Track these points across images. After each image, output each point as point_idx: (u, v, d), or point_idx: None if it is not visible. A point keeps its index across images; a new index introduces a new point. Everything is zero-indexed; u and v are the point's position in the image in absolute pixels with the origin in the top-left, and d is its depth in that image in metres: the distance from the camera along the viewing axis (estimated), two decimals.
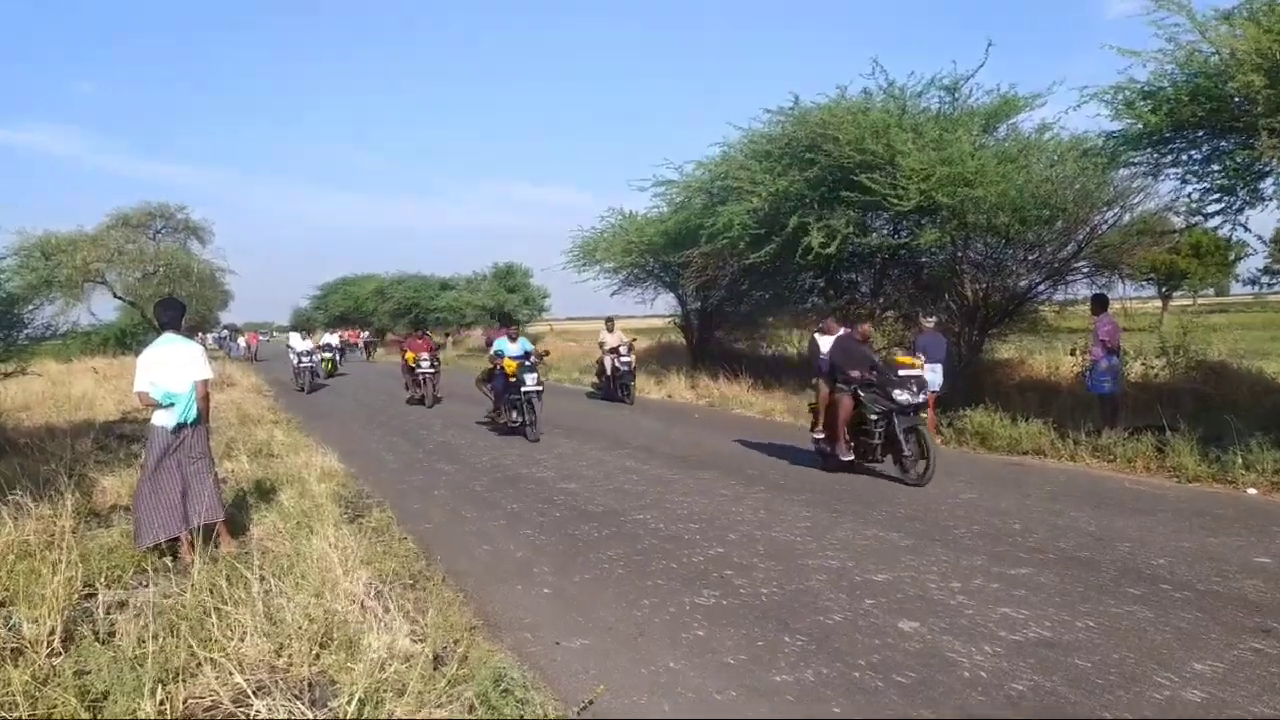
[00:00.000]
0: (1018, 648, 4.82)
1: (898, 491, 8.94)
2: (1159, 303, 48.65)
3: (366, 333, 42.08)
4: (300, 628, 4.74)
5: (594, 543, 7.27)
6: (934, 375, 12.00)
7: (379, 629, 4.85)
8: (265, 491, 8.72)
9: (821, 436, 10.19)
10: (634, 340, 20.15)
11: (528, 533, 7.69)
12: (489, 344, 16.28)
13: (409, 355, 19.99)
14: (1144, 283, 36.37)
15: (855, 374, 9.53)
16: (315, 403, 20.83)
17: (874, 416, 9.45)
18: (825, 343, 10.29)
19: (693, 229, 17.51)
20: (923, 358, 10.97)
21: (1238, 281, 56.77)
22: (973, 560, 6.44)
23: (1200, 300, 60.25)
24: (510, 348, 14.33)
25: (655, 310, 25.65)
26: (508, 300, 39.59)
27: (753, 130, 16.89)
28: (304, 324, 52.37)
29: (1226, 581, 5.81)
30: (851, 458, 9.72)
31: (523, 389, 13.47)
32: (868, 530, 7.41)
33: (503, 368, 14.05)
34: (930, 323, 13.01)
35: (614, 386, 18.82)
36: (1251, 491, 8.51)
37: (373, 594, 5.45)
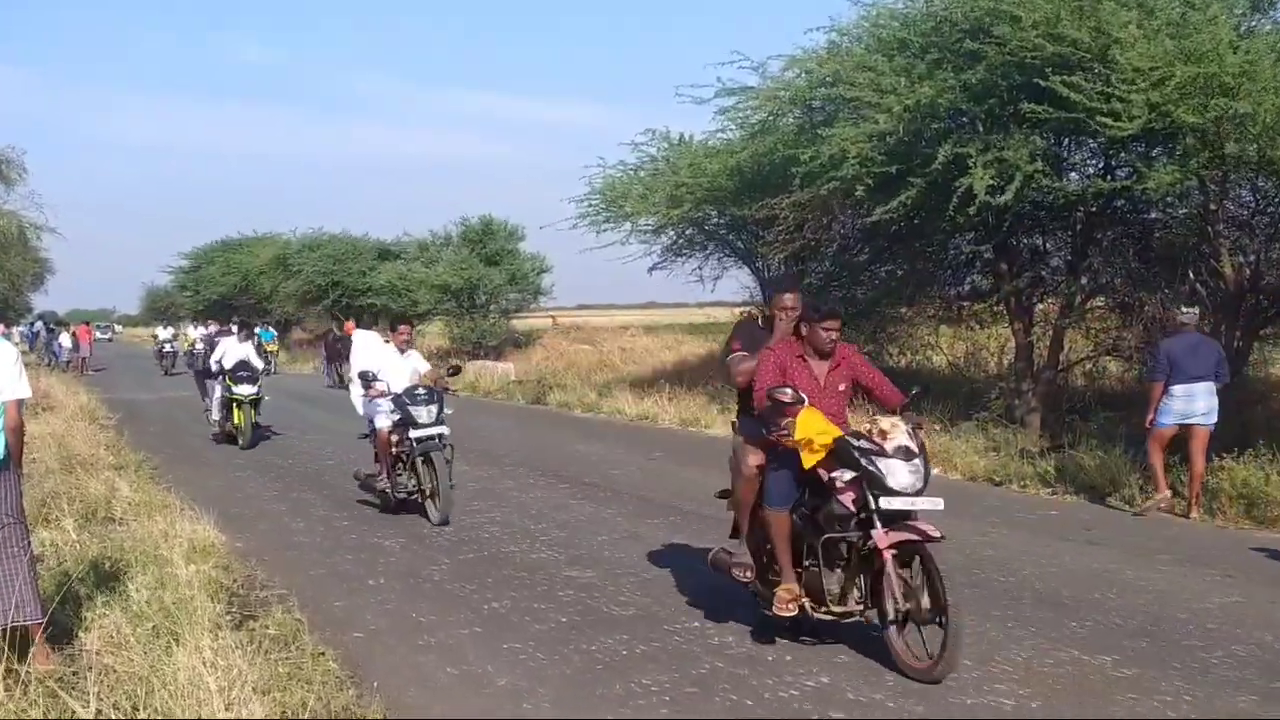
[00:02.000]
0: None
1: (1113, 593, 8.88)
2: None
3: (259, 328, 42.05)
4: None
5: (621, 664, 7.28)
6: (1205, 401, 11.91)
7: None
8: (104, 577, 8.82)
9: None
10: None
11: (516, 647, 7.71)
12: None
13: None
14: None
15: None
16: (181, 437, 21.08)
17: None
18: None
19: (781, 165, 17.54)
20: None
21: None
22: (1234, 702, 6.39)
23: None
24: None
25: (718, 295, 25.72)
26: (485, 276, 39.61)
27: (881, 7, 16.89)
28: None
29: None
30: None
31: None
32: (1061, 651, 7.36)
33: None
34: (1190, 316, 12.65)
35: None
36: None
37: None
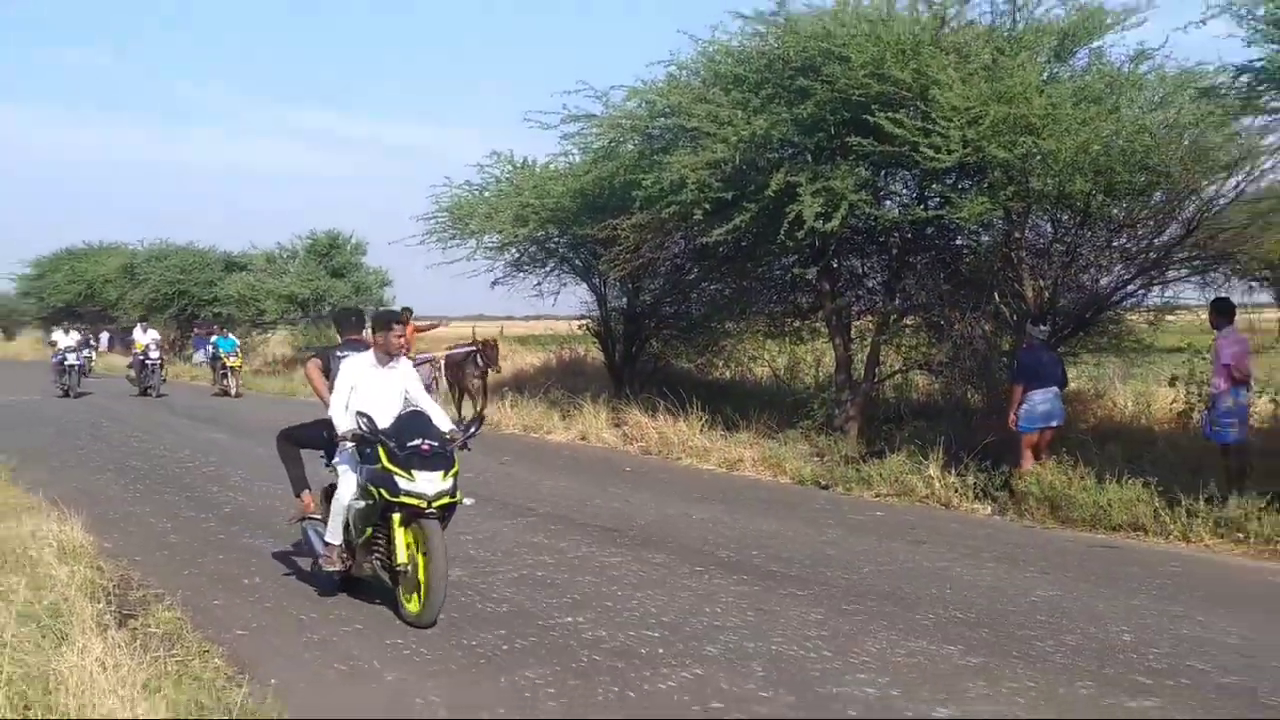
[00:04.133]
0: None
1: (951, 589, 9.01)
2: (1278, 313, 50.40)
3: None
4: None
5: (503, 659, 7.14)
6: (1057, 405, 12.92)
7: None
8: None
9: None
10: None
11: (399, 643, 7.51)
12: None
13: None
14: (1258, 284, 37.88)
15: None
16: (30, 440, 20.13)
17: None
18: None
19: (622, 189, 17.47)
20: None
21: None
22: (1073, 688, 6.52)
23: None
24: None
25: (559, 310, 25.57)
26: (333, 288, 39.02)
27: (718, 44, 16.94)
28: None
29: None
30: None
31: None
32: (911, 642, 7.46)
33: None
34: (1041, 333, 13.52)
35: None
36: None
37: None
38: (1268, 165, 14.51)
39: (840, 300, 17.48)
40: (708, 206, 15.71)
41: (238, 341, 33.81)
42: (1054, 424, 12.91)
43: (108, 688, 5.85)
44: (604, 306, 23.36)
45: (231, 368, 31.21)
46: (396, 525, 7.98)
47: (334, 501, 8.51)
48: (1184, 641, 7.45)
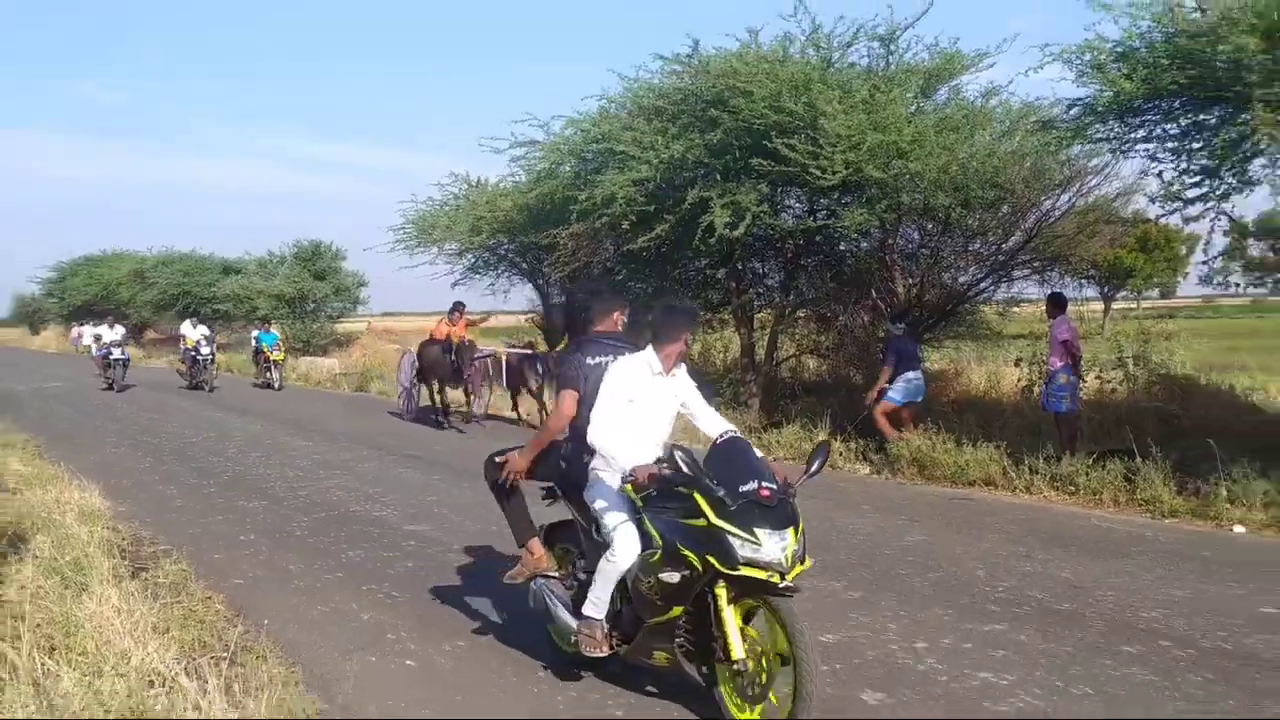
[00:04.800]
0: None
1: (835, 536, 9.09)
2: (1100, 305, 51.53)
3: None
4: None
5: (464, 603, 7.10)
6: (922, 382, 13.20)
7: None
8: (10, 540, 8.15)
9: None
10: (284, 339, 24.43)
11: (374, 588, 7.46)
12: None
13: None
14: (1084, 281, 38.56)
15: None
16: (56, 421, 19.70)
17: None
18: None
19: (561, 203, 17.41)
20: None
21: (1186, 281, 60.80)
22: (937, 615, 6.62)
23: (1145, 303, 64.14)
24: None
25: (510, 305, 25.59)
26: (314, 288, 38.55)
27: (641, 81, 16.91)
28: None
29: (1234, 637, 6.14)
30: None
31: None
32: (802, 581, 7.48)
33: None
34: (900, 329, 13.67)
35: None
36: (1239, 529, 9.05)
37: (184, 670, 5.14)
38: (1093, 184, 14.88)
39: (745, 296, 17.53)
40: (634, 218, 15.71)
41: (279, 335, 29.40)
42: (918, 399, 13.09)
43: (123, 630, 5.77)
44: (547, 303, 23.43)
45: (275, 361, 27.32)
46: (723, 604, 4.87)
47: (603, 566, 5.25)
48: (1026, 576, 7.59)
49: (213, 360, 27.10)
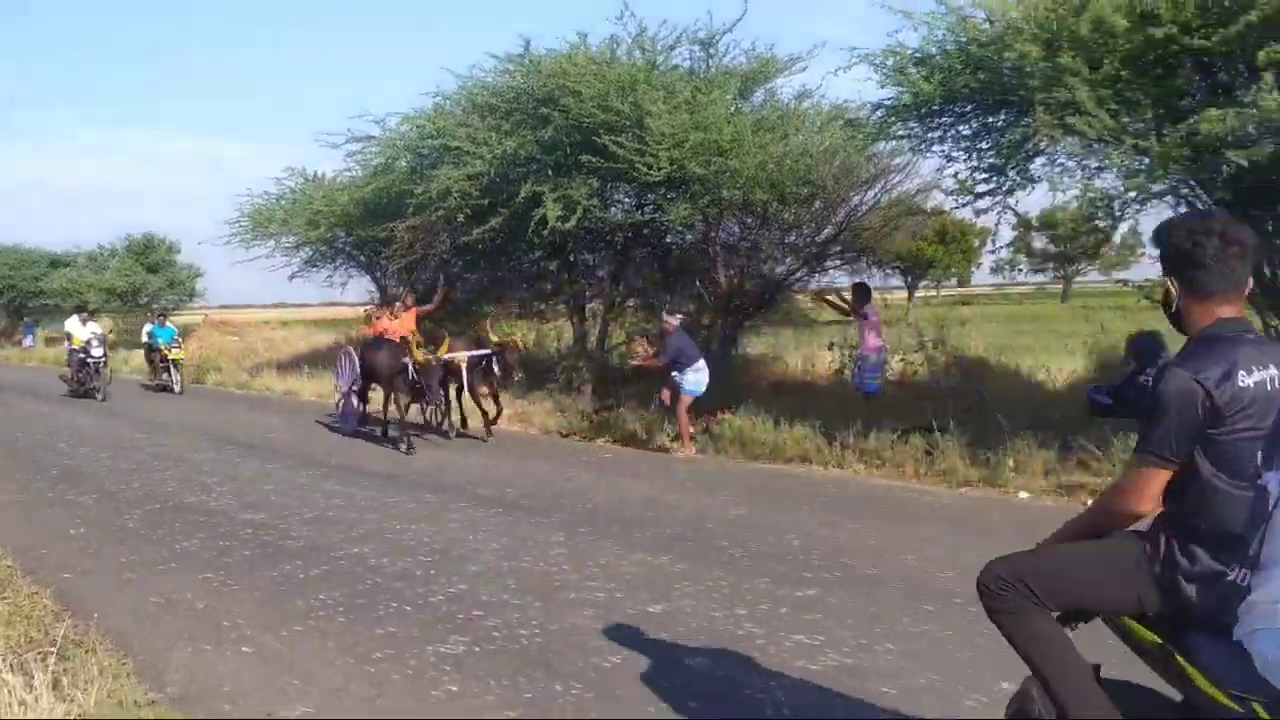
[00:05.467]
0: (819, 679, 5.09)
1: (661, 511, 9.19)
2: (904, 293, 53.58)
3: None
4: None
5: (300, 586, 6.91)
6: (701, 375, 12.47)
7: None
8: None
9: None
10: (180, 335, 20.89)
11: (209, 576, 7.18)
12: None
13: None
14: (890, 271, 40.06)
15: None
16: None
17: None
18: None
19: (398, 197, 17.13)
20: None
21: (980, 270, 63.76)
22: (755, 583, 6.75)
23: (944, 291, 66.94)
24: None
25: (347, 297, 25.07)
26: (149, 282, 36.92)
27: (475, 80, 16.78)
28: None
29: None
30: None
31: None
32: (633, 554, 7.57)
33: None
34: (679, 319, 13.18)
35: None
36: (1024, 495, 9.53)
37: (9, 666, 4.85)
38: (896, 180, 15.45)
39: (576, 287, 17.63)
40: (469, 211, 15.63)
41: (176, 330, 24.37)
42: (702, 389, 12.54)
43: None
44: (385, 294, 22.92)
45: (174, 361, 22.32)
46: None
47: None
48: (838, 544, 7.80)
49: (105, 363, 21.86)
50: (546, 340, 21.84)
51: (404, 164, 17.91)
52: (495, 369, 13.68)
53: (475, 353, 13.75)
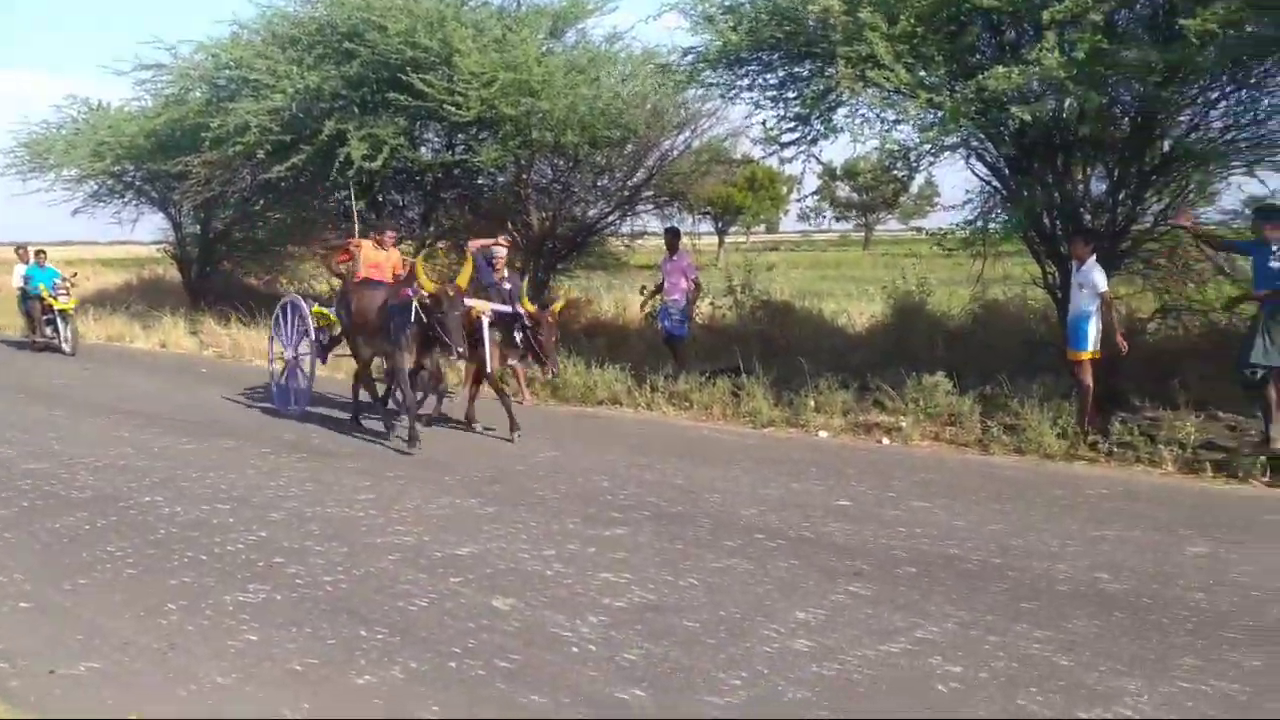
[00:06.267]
0: (624, 614, 5.20)
1: (471, 454, 9.15)
2: (715, 239, 54.54)
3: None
4: None
5: (86, 537, 6.58)
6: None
7: None
8: None
9: None
10: (73, 275, 18.19)
11: None
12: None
13: None
14: (701, 217, 40.68)
15: None
16: None
17: None
18: None
19: (193, 130, 16.26)
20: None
21: (787, 218, 65.52)
22: (565, 524, 6.81)
23: (753, 237, 68.49)
24: None
25: (138, 235, 23.76)
26: None
27: (275, 10, 16.05)
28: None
29: (815, 527, 6.75)
30: None
31: None
32: (441, 498, 7.52)
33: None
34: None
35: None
36: (823, 435, 9.92)
37: None
38: (706, 126, 15.66)
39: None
40: (269, 147, 15.06)
41: (60, 272, 17.81)
42: None
43: None
44: (180, 232, 21.94)
45: (61, 312, 17.06)
46: None
47: None
48: (645, 484, 7.95)
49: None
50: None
51: (199, 95, 17.01)
52: (518, 343, 9.81)
53: (499, 308, 9.82)
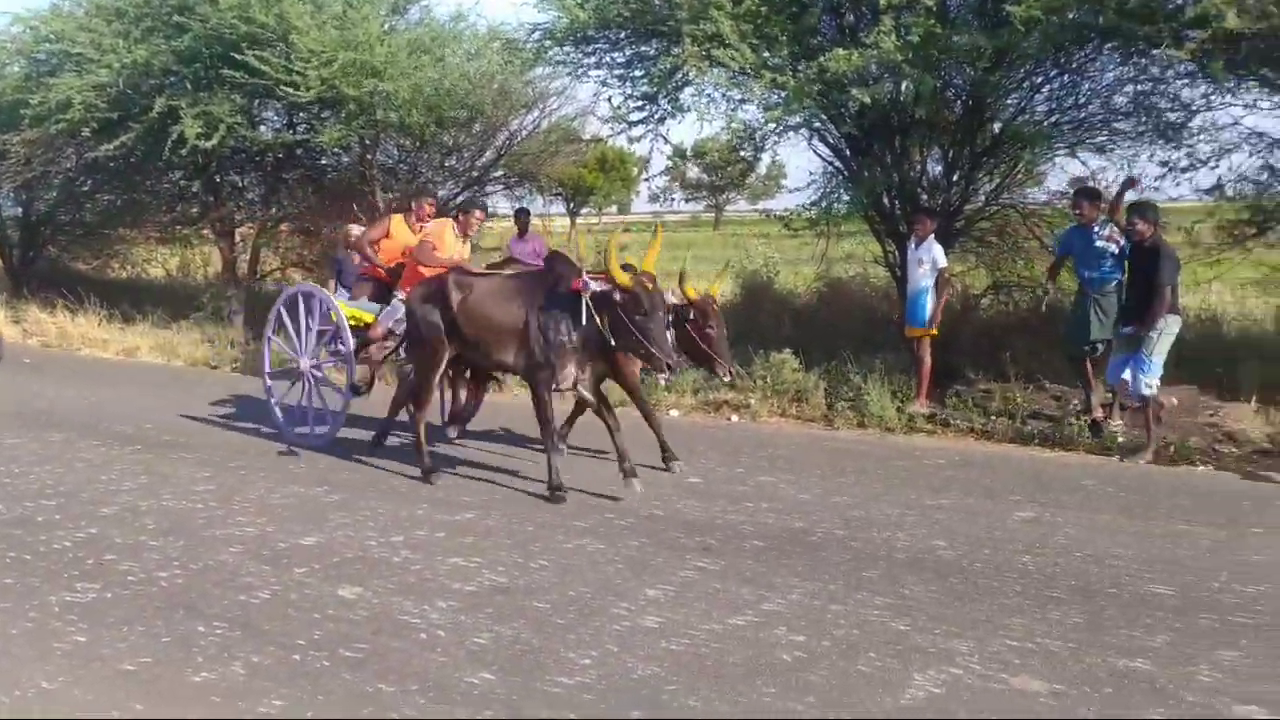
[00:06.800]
0: (473, 599, 5.16)
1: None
2: (567, 219, 54.42)
3: None
4: None
5: None
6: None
7: None
8: None
9: None
10: None
11: None
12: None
13: None
14: (553, 198, 40.57)
15: None
16: None
17: None
18: None
19: (10, 107, 15.37)
20: None
21: (639, 199, 65.79)
22: (414, 510, 6.73)
23: (605, 218, 68.55)
24: None
25: None
26: None
27: None
28: None
29: (666, 505, 6.83)
30: None
31: None
32: (286, 488, 7.32)
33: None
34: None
35: None
36: (674, 414, 10.03)
37: None
38: (555, 105, 15.59)
39: (224, 209, 16.57)
40: (96, 125, 14.33)
41: None
42: None
43: None
44: None
45: None
46: None
47: None
48: (498, 468, 7.92)
49: None
50: (192, 266, 20.65)
51: (17, 69, 16.11)
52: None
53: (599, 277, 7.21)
